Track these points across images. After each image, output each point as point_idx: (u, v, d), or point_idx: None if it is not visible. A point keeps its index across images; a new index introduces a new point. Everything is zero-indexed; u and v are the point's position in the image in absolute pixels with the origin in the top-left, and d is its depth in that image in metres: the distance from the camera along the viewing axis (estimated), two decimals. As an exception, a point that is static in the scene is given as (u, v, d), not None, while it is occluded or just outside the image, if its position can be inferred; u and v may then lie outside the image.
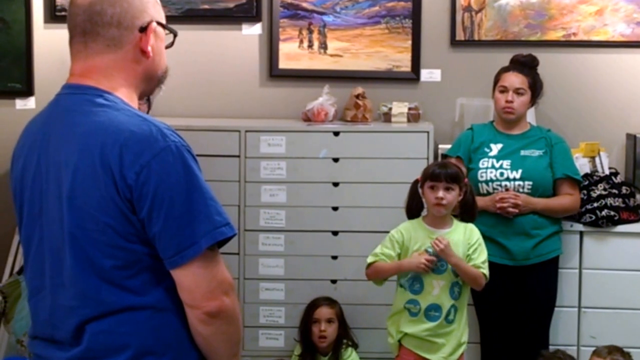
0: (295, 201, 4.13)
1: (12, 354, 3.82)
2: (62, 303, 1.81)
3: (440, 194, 3.47)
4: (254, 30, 4.57)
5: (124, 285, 1.77)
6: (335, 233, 4.15)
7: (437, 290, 3.48)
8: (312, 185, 4.13)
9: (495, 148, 3.95)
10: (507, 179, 3.88)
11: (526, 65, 4.00)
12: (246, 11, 4.53)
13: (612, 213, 4.02)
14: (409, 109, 4.38)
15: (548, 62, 4.29)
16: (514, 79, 3.93)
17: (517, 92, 3.92)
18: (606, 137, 4.45)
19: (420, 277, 3.50)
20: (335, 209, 4.14)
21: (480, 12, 4.49)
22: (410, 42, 4.52)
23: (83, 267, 1.77)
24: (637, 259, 4.05)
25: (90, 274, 1.77)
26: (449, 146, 4.13)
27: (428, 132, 4.11)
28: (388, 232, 3.57)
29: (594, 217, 4.02)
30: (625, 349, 3.60)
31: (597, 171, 4.20)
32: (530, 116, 4.18)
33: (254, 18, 4.54)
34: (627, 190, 4.15)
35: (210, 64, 4.58)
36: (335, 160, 4.13)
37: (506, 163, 3.90)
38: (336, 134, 4.14)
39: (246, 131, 4.12)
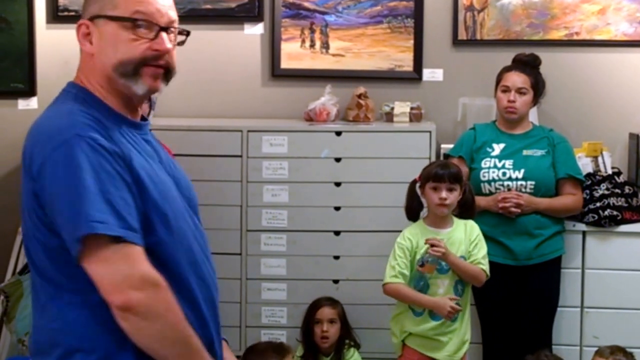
0: (297, 201, 4.12)
1: (14, 353, 3.82)
2: None
3: (444, 194, 3.47)
4: (256, 30, 4.56)
5: (53, 279, 1.78)
6: (337, 233, 4.14)
7: (442, 289, 3.49)
8: (314, 185, 4.13)
9: (498, 148, 3.95)
10: (510, 178, 3.87)
11: (528, 65, 3.99)
12: (248, 11, 4.53)
13: (615, 213, 4.01)
14: (411, 108, 4.37)
15: (550, 62, 4.28)
16: (517, 79, 3.92)
17: (520, 91, 3.91)
18: (609, 137, 4.44)
19: (425, 276, 3.50)
20: (337, 208, 4.14)
21: (483, 12, 4.49)
22: (412, 41, 4.52)
23: (31, 264, 1.83)
24: (640, 258, 4.05)
25: (32, 271, 1.82)
26: (451, 146, 4.13)
27: (430, 132, 4.11)
28: (390, 232, 3.57)
29: (596, 217, 4.01)
30: (628, 349, 3.60)
31: (599, 171, 4.20)
32: (533, 116, 4.18)
33: (256, 18, 4.53)
34: (630, 189, 4.14)
35: (212, 63, 4.57)
36: (338, 160, 4.13)
37: (508, 163, 3.90)
38: (338, 133, 4.14)
39: (248, 131, 4.12)
